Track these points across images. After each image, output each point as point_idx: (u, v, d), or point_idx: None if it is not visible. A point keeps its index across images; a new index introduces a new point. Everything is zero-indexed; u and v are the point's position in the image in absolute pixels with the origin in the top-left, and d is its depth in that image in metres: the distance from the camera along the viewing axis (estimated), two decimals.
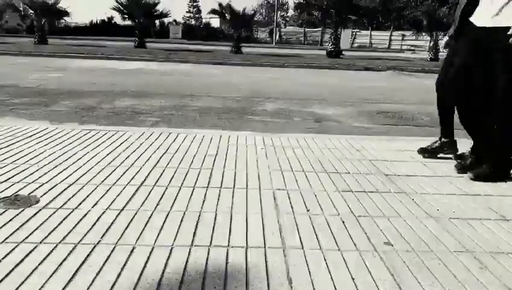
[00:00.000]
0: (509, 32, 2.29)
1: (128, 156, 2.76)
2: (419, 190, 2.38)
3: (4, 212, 1.86)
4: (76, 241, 1.64)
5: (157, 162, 2.67)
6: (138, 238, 1.68)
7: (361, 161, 2.87)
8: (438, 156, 3.02)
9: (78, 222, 1.79)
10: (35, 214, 1.85)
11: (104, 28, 38.47)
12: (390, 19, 41.65)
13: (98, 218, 1.84)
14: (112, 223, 1.80)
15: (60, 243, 1.62)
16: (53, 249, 1.57)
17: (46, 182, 2.23)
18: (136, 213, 1.91)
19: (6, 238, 1.64)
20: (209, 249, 1.62)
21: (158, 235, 1.72)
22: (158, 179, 2.37)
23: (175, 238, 1.69)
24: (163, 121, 4.61)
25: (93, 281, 1.39)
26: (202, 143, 3.18)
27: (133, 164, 2.62)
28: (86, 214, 1.87)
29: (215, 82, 8.68)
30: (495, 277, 1.52)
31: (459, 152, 2.94)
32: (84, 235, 1.68)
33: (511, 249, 1.73)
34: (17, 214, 1.84)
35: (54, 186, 2.17)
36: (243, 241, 1.69)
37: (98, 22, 40.87)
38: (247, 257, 1.57)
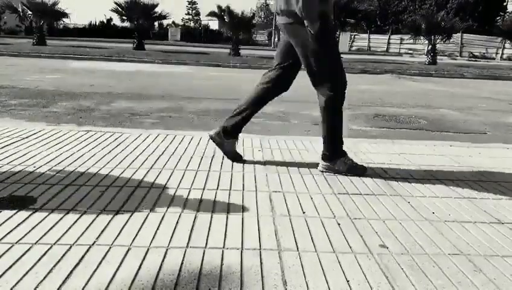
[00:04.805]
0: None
1: (125, 158, 2.76)
2: (415, 192, 2.39)
3: (0, 212, 1.86)
4: (72, 242, 1.64)
5: (154, 163, 2.67)
6: (133, 240, 1.68)
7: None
8: (435, 161, 3.03)
9: (73, 223, 1.79)
10: (31, 214, 1.85)
11: (102, 30, 38.53)
12: (388, 23, 41.80)
13: (94, 219, 1.84)
14: (108, 224, 1.80)
15: (55, 243, 1.62)
16: (48, 250, 1.57)
17: (42, 183, 2.23)
18: (132, 214, 1.91)
19: (2, 239, 1.63)
20: (204, 250, 1.63)
21: (154, 236, 1.72)
22: (154, 180, 2.37)
23: (170, 240, 1.69)
24: (160, 122, 4.61)
25: (87, 282, 1.39)
26: (199, 145, 3.18)
27: (129, 165, 2.62)
28: (81, 215, 1.87)
29: (213, 84, 8.68)
30: (489, 279, 1.53)
31: None
32: (80, 236, 1.68)
33: (505, 252, 1.73)
34: (13, 215, 1.84)
35: (50, 187, 2.17)
36: (238, 243, 1.69)
37: (97, 23, 40.94)
38: (242, 259, 1.57)
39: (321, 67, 2.52)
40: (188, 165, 2.67)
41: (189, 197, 2.15)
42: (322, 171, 2.68)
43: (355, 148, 3.25)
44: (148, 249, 1.61)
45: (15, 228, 1.73)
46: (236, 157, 2.82)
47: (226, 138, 2.80)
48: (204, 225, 1.84)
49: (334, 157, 2.66)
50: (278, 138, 3.54)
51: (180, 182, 2.37)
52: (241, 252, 1.63)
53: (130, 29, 24.75)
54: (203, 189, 2.27)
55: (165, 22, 36.16)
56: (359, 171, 2.64)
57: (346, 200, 2.22)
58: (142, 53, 16.73)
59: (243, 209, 2.03)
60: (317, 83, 2.58)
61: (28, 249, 1.57)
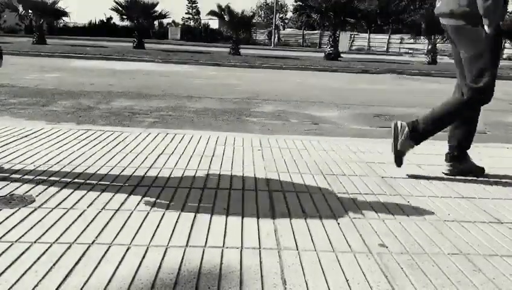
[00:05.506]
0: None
1: (124, 157, 2.76)
2: (414, 192, 2.39)
3: None
4: (71, 240, 1.64)
5: (154, 162, 2.67)
6: (133, 238, 1.68)
7: (358, 163, 2.88)
8: (434, 160, 3.03)
9: (73, 222, 1.79)
10: (31, 213, 1.85)
11: (102, 29, 38.49)
12: (388, 22, 41.79)
13: (94, 218, 1.84)
14: (108, 222, 1.80)
15: (54, 242, 1.62)
16: (48, 249, 1.57)
17: (42, 182, 2.23)
18: (131, 213, 1.91)
19: (1, 237, 1.63)
20: (204, 249, 1.63)
21: (153, 235, 1.72)
22: (154, 179, 2.37)
23: (170, 239, 1.69)
24: (160, 121, 4.61)
25: (87, 280, 1.39)
26: (199, 144, 3.18)
27: (129, 164, 2.62)
28: (81, 214, 1.87)
29: (213, 83, 8.68)
30: (488, 279, 1.53)
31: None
32: (79, 235, 1.68)
33: (504, 252, 1.74)
34: (12, 213, 1.84)
35: (49, 186, 2.17)
36: (238, 242, 1.69)
37: (97, 22, 40.89)
38: (242, 258, 1.57)
39: (481, 67, 2.56)
40: (187, 164, 2.67)
41: (189, 196, 2.15)
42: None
43: (356, 148, 3.24)
44: (147, 248, 1.61)
45: (14, 226, 1.73)
46: (482, 170, 2.83)
47: (460, 163, 2.83)
48: (203, 224, 1.84)
49: (417, 139, 2.74)
50: (277, 137, 3.54)
51: (180, 181, 2.37)
52: (241, 251, 1.63)
53: (130, 28, 24.71)
54: (203, 188, 2.27)
55: (165, 21, 36.09)
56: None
57: (346, 200, 2.22)
58: (142, 52, 16.73)
59: (243, 208, 2.03)
60: (471, 80, 2.63)
61: (28, 248, 1.57)
